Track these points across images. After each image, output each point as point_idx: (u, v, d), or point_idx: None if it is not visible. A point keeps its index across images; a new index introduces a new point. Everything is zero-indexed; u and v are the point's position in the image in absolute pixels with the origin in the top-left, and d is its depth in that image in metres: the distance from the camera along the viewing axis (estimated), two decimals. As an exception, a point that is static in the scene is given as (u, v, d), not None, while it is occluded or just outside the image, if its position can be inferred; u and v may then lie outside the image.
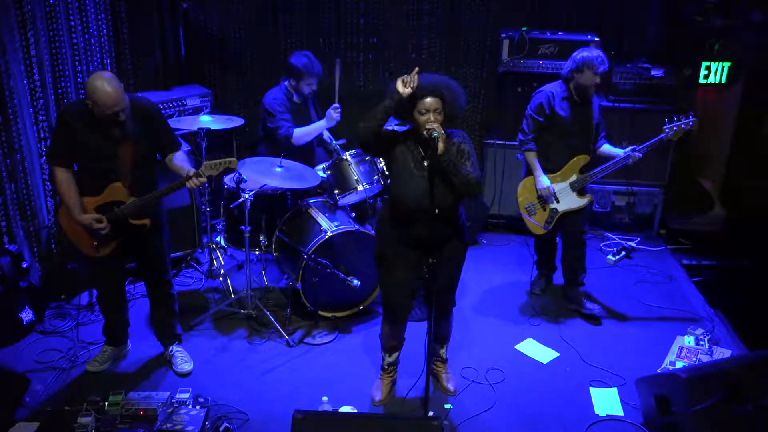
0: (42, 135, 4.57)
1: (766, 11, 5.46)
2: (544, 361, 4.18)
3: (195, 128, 4.75)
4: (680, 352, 4.16)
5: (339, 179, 4.54)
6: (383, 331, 3.70)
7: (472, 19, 5.89)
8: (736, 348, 4.26)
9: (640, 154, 4.30)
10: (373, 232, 4.10)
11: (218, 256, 5.10)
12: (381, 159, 4.44)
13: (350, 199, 4.62)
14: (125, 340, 4.13)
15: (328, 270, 4.17)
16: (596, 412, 3.74)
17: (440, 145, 3.11)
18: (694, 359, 4.09)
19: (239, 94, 6.15)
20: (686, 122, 4.21)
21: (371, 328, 4.43)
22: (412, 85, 3.12)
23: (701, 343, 4.20)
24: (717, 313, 4.67)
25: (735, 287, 5.15)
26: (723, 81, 5.53)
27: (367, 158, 4.55)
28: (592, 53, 4.20)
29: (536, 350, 4.28)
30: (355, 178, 4.50)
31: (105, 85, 3.31)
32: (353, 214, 4.72)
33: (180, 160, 3.69)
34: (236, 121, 4.94)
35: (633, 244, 5.54)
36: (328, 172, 4.59)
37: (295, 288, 4.34)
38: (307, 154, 4.94)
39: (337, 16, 5.93)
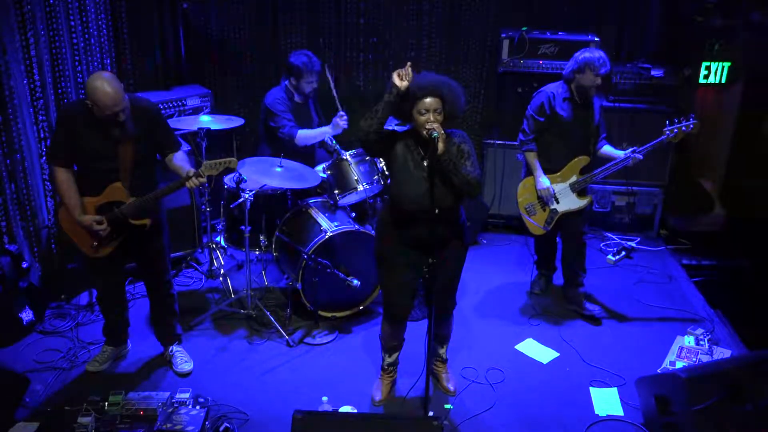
0: (42, 135, 4.57)
1: (766, 11, 5.45)
2: (544, 361, 4.18)
3: (195, 128, 4.75)
4: (680, 352, 4.16)
5: (339, 179, 4.53)
6: (383, 331, 3.69)
7: (472, 19, 5.88)
8: (736, 348, 4.26)
9: (641, 156, 4.29)
10: (373, 232, 4.10)
11: (218, 256, 5.10)
12: (381, 159, 4.44)
13: (350, 199, 4.62)
14: (125, 340, 4.13)
15: (328, 270, 4.17)
16: (596, 412, 3.74)
17: (440, 145, 3.10)
18: (694, 359, 4.09)
19: (239, 94, 6.14)
20: (687, 124, 4.20)
21: (371, 328, 4.43)
22: (407, 78, 3.12)
23: (701, 343, 4.20)
24: (717, 313, 4.67)
25: (735, 287, 5.15)
26: (723, 81, 5.53)
27: (367, 158, 4.54)
28: (594, 54, 4.18)
29: (536, 350, 4.28)
30: (355, 178, 4.49)
31: (105, 85, 3.30)
32: (353, 214, 4.72)
33: (180, 160, 3.68)
34: (236, 121, 4.93)
35: (633, 244, 5.53)
36: (328, 172, 4.59)
37: (295, 288, 4.34)
38: (308, 154, 4.95)
39: (337, 16, 5.93)
